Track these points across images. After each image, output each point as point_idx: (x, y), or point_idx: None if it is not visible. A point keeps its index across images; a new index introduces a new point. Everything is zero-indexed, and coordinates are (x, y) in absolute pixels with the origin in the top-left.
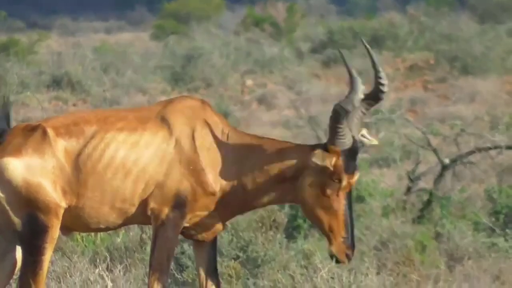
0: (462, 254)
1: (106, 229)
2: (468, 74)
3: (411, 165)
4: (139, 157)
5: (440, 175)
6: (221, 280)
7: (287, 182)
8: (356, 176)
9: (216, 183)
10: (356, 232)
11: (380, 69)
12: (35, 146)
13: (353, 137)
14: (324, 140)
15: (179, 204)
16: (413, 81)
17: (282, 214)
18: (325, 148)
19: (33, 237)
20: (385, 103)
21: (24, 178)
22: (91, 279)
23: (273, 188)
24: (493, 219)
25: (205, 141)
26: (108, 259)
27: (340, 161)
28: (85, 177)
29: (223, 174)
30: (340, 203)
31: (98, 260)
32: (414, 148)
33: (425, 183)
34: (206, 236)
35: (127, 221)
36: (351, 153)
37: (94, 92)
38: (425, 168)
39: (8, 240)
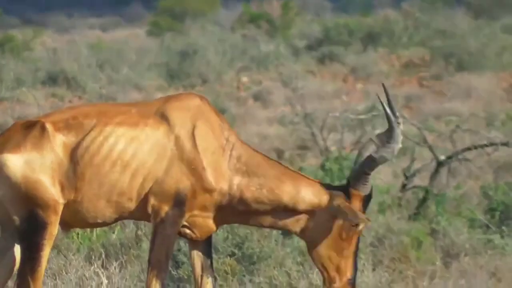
0: (458, 250)
1: (104, 224)
2: (464, 70)
3: (406, 162)
4: (138, 152)
5: (436, 172)
6: (217, 277)
7: (294, 215)
8: (369, 222)
9: (215, 181)
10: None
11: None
12: (34, 142)
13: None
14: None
15: (179, 202)
16: (408, 77)
17: None
18: (344, 191)
19: (32, 233)
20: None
21: (23, 174)
22: (87, 276)
23: (277, 214)
24: (489, 216)
25: (205, 139)
26: (104, 256)
27: (361, 206)
28: (83, 170)
29: (223, 175)
30: (353, 246)
31: (93, 257)
32: (409, 144)
33: (421, 180)
34: (200, 235)
35: (124, 216)
36: (368, 199)
37: (90, 88)
38: (420, 164)
39: (8, 237)
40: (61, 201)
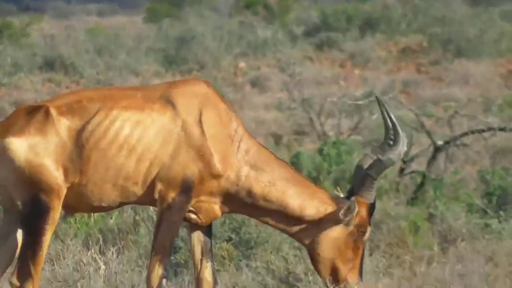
0: (455, 235)
1: (108, 208)
2: (462, 56)
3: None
4: (144, 136)
5: (433, 157)
6: (214, 262)
7: (300, 220)
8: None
9: (223, 168)
10: None
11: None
12: (37, 126)
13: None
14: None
15: (186, 188)
16: (406, 63)
17: None
18: (349, 198)
19: (34, 217)
20: (378, 85)
21: (27, 158)
22: (84, 261)
23: (282, 216)
24: (486, 200)
25: (213, 127)
26: (101, 241)
27: (366, 214)
28: (88, 153)
29: (231, 164)
30: (359, 255)
31: (91, 242)
32: (407, 130)
33: (418, 165)
34: (205, 220)
35: (129, 200)
36: (373, 209)
37: (87, 74)
38: (418, 150)
39: (10, 222)
40: (65, 185)
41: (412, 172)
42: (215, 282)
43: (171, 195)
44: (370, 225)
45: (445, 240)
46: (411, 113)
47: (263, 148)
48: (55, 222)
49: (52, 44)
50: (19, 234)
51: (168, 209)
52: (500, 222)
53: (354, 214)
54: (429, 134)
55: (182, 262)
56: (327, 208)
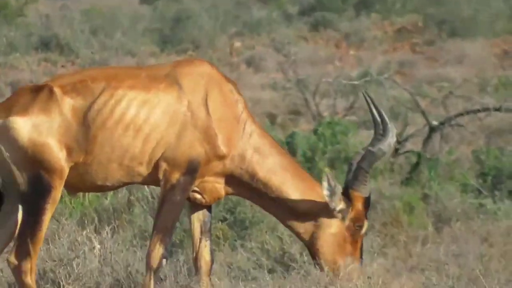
0: (450, 215)
1: (112, 187)
2: (457, 36)
3: (399, 127)
4: (151, 116)
5: (428, 137)
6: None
7: (298, 213)
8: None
9: (228, 149)
10: None
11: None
12: (41, 105)
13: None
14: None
15: (191, 169)
16: (401, 43)
17: None
18: (345, 193)
19: (36, 197)
20: (373, 65)
21: (31, 137)
22: (79, 240)
23: (282, 206)
24: (481, 180)
25: (219, 108)
26: (96, 220)
27: (362, 208)
28: (94, 133)
29: (235, 145)
30: (358, 249)
31: (86, 222)
32: (402, 110)
33: (413, 145)
34: (209, 200)
35: (133, 180)
36: (368, 203)
37: (83, 54)
38: (413, 130)
39: (10, 201)
40: (68, 165)
41: (407, 152)
42: (212, 261)
43: (176, 175)
44: (366, 219)
45: (439, 220)
46: (406, 93)
47: (266, 134)
48: (56, 202)
49: (48, 24)
50: (18, 214)
51: (172, 189)
52: (495, 202)
53: (349, 208)
54: (424, 114)
55: (177, 242)
56: (323, 203)
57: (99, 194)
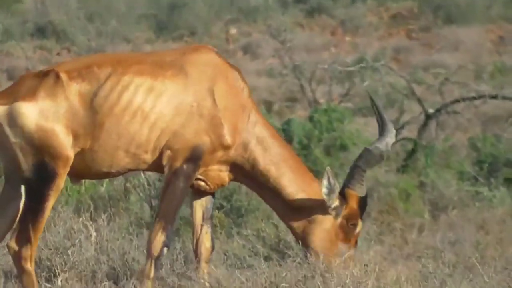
0: (446, 203)
1: (117, 174)
2: (452, 23)
3: (395, 114)
4: (157, 103)
5: (424, 124)
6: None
7: (293, 207)
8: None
9: (233, 139)
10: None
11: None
12: (48, 91)
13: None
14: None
15: (195, 157)
16: (397, 30)
17: None
18: (341, 192)
19: (40, 183)
20: (369, 52)
21: (38, 123)
22: (75, 228)
23: (278, 199)
24: (477, 168)
25: (225, 98)
26: (92, 208)
27: (357, 207)
28: (102, 119)
29: (240, 134)
30: (352, 247)
31: (82, 210)
32: (398, 97)
33: (409, 132)
34: (213, 187)
35: (139, 167)
36: (364, 204)
37: (79, 41)
38: (409, 117)
39: (12, 188)
40: (73, 152)
41: (403, 139)
42: (212, 248)
43: (180, 162)
44: (361, 219)
45: (436, 208)
46: (402, 80)
47: (269, 124)
48: (59, 190)
49: (44, 10)
50: (20, 201)
51: (176, 177)
52: (491, 189)
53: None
54: (420, 101)
55: (173, 230)
56: (319, 199)
57: (95, 181)
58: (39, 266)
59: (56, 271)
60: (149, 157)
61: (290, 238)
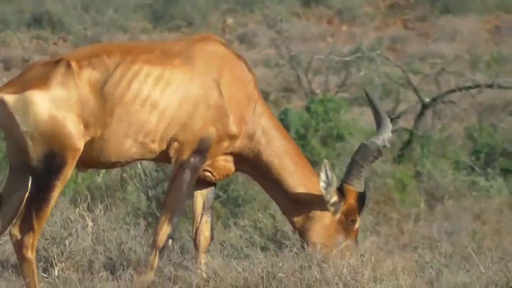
0: (442, 193)
1: (124, 163)
2: (449, 13)
3: (391, 104)
4: (165, 92)
5: (421, 114)
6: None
7: (294, 201)
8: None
9: (239, 129)
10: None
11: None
12: (60, 79)
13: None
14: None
15: (203, 148)
16: (393, 19)
17: None
18: (339, 188)
19: (47, 173)
20: (366, 42)
21: (50, 112)
22: (72, 218)
23: (280, 191)
24: (474, 158)
25: (231, 89)
26: (89, 198)
27: (355, 203)
28: (112, 107)
29: (246, 124)
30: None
31: (78, 200)
32: (394, 86)
33: (406, 122)
34: (219, 177)
35: (146, 157)
36: (363, 200)
37: (75, 30)
38: (405, 107)
39: (16, 178)
40: (84, 141)
41: (399, 129)
42: (211, 237)
43: (187, 154)
44: (359, 215)
45: (432, 198)
46: (398, 70)
47: (273, 116)
48: (66, 180)
49: (40, 0)
50: (24, 192)
51: (183, 168)
52: (487, 179)
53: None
54: (416, 91)
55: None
56: (318, 194)
57: (91, 171)
58: (36, 257)
59: (53, 261)
60: (156, 147)
61: (287, 228)
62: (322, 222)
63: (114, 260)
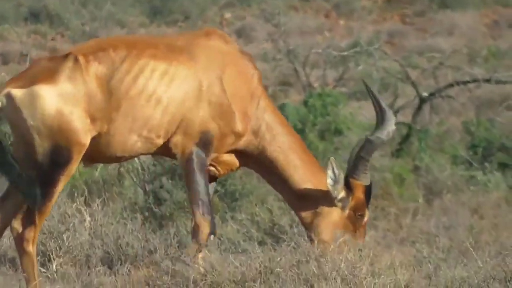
0: (440, 187)
1: (129, 158)
2: (447, 7)
3: (389, 98)
4: (170, 88)
5: (419, 108)
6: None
7: (301, 196)
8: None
9: (243, 125)
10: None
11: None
12: (67, 74)
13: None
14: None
15: (205, 143)
16: (391, 14)
17: None
18: (345, 182)
19: (52, 168)
20: (363, 36)
21: (57, 106)
22: (69, 213)
23: (286, 187)
24: (472, 152)
25: (234, 85)
26: (86, 193)
27: (363, 197)
28: (118, 102)
29: (250, 120)
30: (360, 237)
31: (76, 194)
32: (392, 81)
33: (404, 117)
34: (223, 172)
35: (150, 151)
36: (369, 193)
37: (73, 25)
38: (403, 101)
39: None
40: (90, 136)
41: (397, 123)
42: (211, 232)
43: (189, 149)
44: (368, 208)
45: (430, 192)
46: (397, 64)
47: (277, 111)
48: (70, 175)
49: None
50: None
51: (189, 163)
52: (485, 174)
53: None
54: (414, 85)
55: (167, 214)
56: (324, 190)
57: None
58: None
59: (51, 255)
60: (161, 142)
61: (284, 222)
62: (331, 218)
63: (112, 255)
